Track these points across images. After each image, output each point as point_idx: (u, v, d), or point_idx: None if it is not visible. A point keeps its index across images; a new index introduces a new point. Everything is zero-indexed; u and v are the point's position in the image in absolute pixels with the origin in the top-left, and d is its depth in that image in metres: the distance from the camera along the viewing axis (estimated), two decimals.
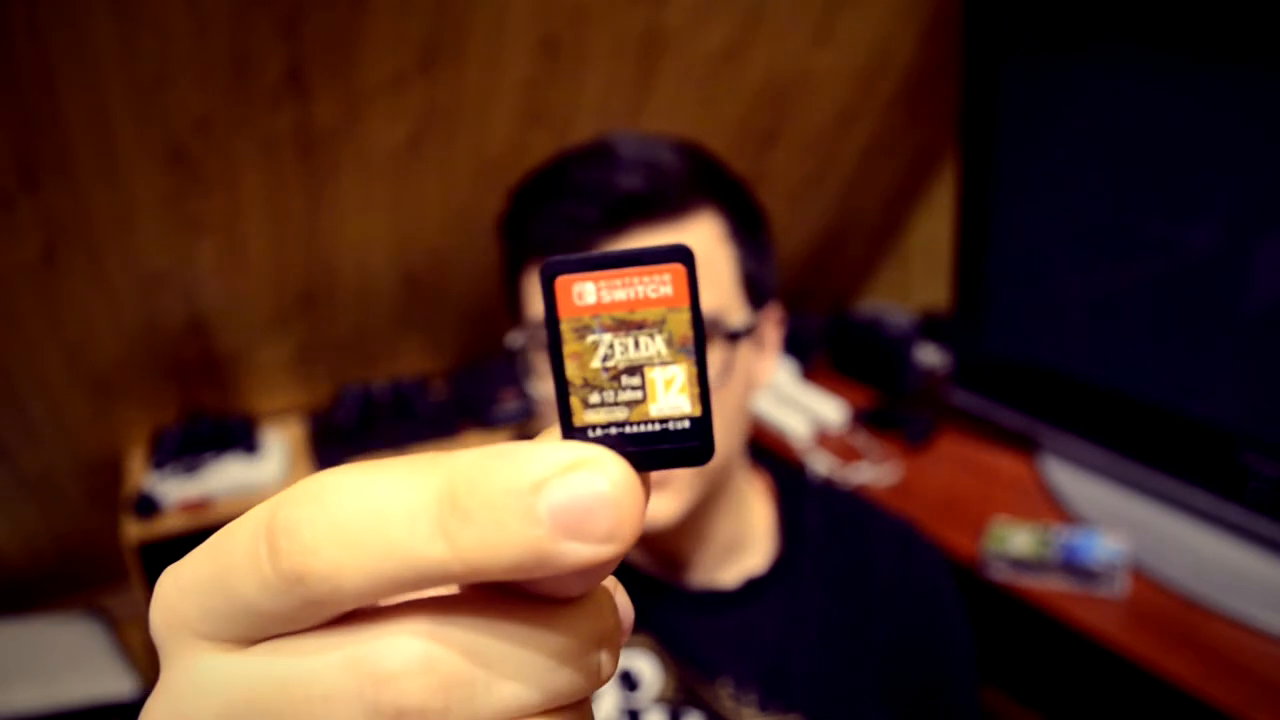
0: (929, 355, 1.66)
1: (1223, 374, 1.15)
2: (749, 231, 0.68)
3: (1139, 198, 1.17)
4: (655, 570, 0.72)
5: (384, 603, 0.19)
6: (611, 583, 0.20)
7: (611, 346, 0.18)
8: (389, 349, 1.76)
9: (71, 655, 1.51)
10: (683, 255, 0.18)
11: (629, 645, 0.69)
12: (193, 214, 1.35)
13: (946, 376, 1.49)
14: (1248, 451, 1.10)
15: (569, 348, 0.18)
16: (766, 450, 1.53)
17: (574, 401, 0.18)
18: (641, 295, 0.18)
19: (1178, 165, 1.11)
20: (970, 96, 1.29)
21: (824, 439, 1.53)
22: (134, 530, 1.43)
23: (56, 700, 1.38)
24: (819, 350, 1.78)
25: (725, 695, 0.67)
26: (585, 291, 0.18)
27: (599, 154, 0.65)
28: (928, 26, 1.59)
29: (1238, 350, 1.12)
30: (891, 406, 1.57)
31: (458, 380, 1.78)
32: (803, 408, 1.58)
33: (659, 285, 0.18)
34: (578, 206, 0.62)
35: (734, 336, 0.65)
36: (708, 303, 0.63)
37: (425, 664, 0.16)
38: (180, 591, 0.18)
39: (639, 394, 0.18)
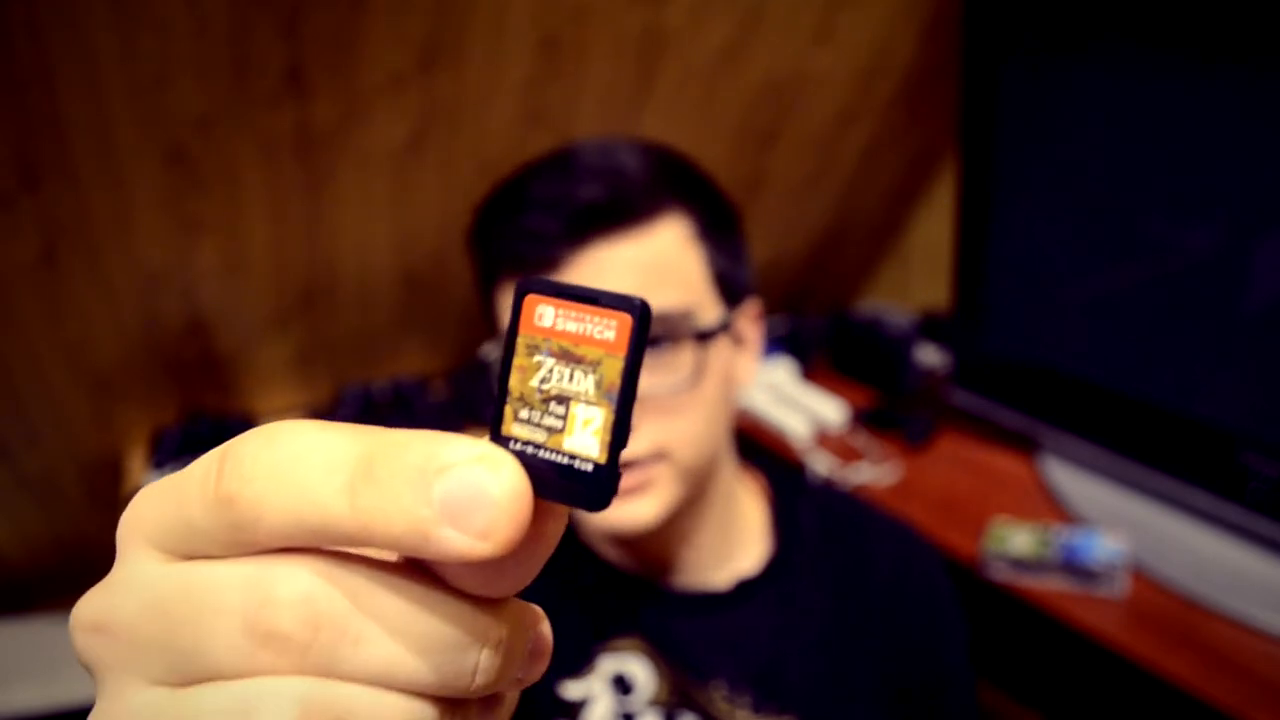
0: (929, 355, 1.66)
1: (1223, 374, 1.15)
2: (719, 229, 0.68)
3: (1139, 197, 1.17)
4: (646, 573, 0.72)
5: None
6: (538, 612, 0.21)
7: (551, 371, 0.19)
8: (389, 349, 1.76)
9: (71, 655, 1.51)
10: (635, 308, 0.19)
11: (622, 649, 0.69)
12: (193, 214, 1.35)
13: (946, 376, 1.49)
14: (1248, 451, 1.10)
15: (518, 360, 0.19)
16: (763, 450, 1.53)
17: (507, 410, 0.19)
18: (588, 333, 0.19)
19: (1178, 165, 1.11)
20: (970, 96, 1.29)
21: (824, 439, 1.53)
22: None
23: (56, 700, 1.38)
24: (819, 350, 1.78)
25: (719, 697, 0.67)
26: (545, 314, 0.19)
27: (560, 164, 0.65)
28: (928, 26, 1.59)
29: (1238, 350, 1.12)
30: (891, 406, 1.57)
31: (458, 380, 1.78)
32: (803, 408, 1.58)
33: (604, 329, 0.19)
34: (540, 219, 0.62)
35: (705, 336, 0.64)
36: (675, 302, 0.63)
37: (306, 597, 0.18)
38: (147, 503, 0.20)
39: (560, 423, 0.19)
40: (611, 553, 0.72)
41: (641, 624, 0.69)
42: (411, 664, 0.18)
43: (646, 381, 0.62)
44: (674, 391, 0.63)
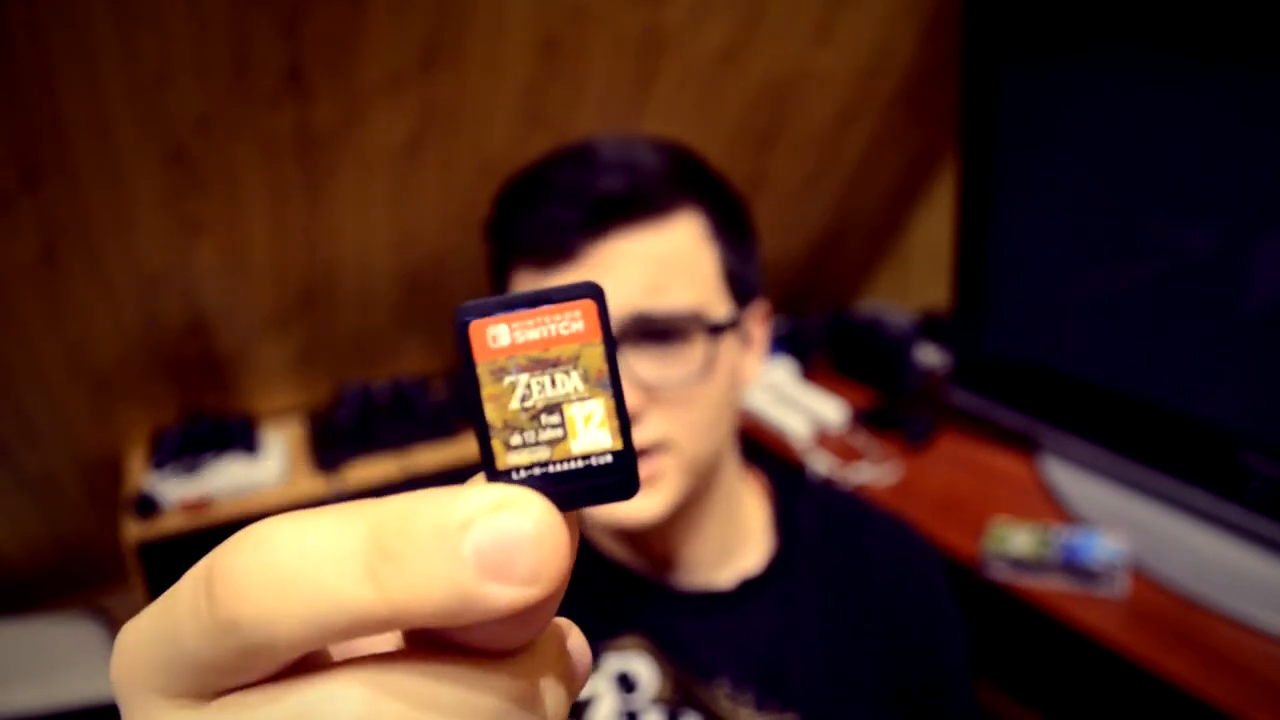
0: (929, 355, 1.66)
1: (1223, 374, 1.15)
2: (732, 229, 0.68)
3: (1139, 197, 1.17)
4: (649, 571, 0.72)
5: (331, 655, 0.19)
6: (564, 624, 0.20)
7: (529, 386, 0.18)
8: (389, 349, 1.76)
9: (71, 655, 1.51)
10: (592, 291, 0.18)
11: (626, 648, 0.69)
12: (193, 214, 1.35)
13: (946, 376, 1.49)
14: (1248, 451, 1.10)
15: (486, 390, 0.18)
16: (764, 449, 1.53)
17: (496, 444, 0.18)
18: (554, 333, 0.18)
19: (1178, 165, 1.11)
20: (970, 96, 1.29)
21: (824, 439, 1.53)
22: (134, 530, 1.43)
23: (56, 700, 1.38)
24: (819, 350, 1.78)
25: (722, 696, 0.67)
26: (499, 334, 0.18)
27: (579, 156, 0.65)
28: (928, 26, 1.59)
29: (1238, 350, 1.12)
30: (891, 406, 1.57)
31: (457, 380, 1.78)
32: (803, 408, 1.58)
33: (570, 322, 0.18)
34: (559, 209, 0.62)
35: (716, 330, 0.65)
36: (688, 298, 0.63)
37: None
38: (136, 644, 0.18)
39: (559, 432, 0.18)
40: (616, 550, 0.72)
41: (645, 622, 0.69)
42: None
43: (656, 373, 0.63)
44: (684, 384, 0.63)
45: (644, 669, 0.68)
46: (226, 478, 1.52)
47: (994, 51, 1.24)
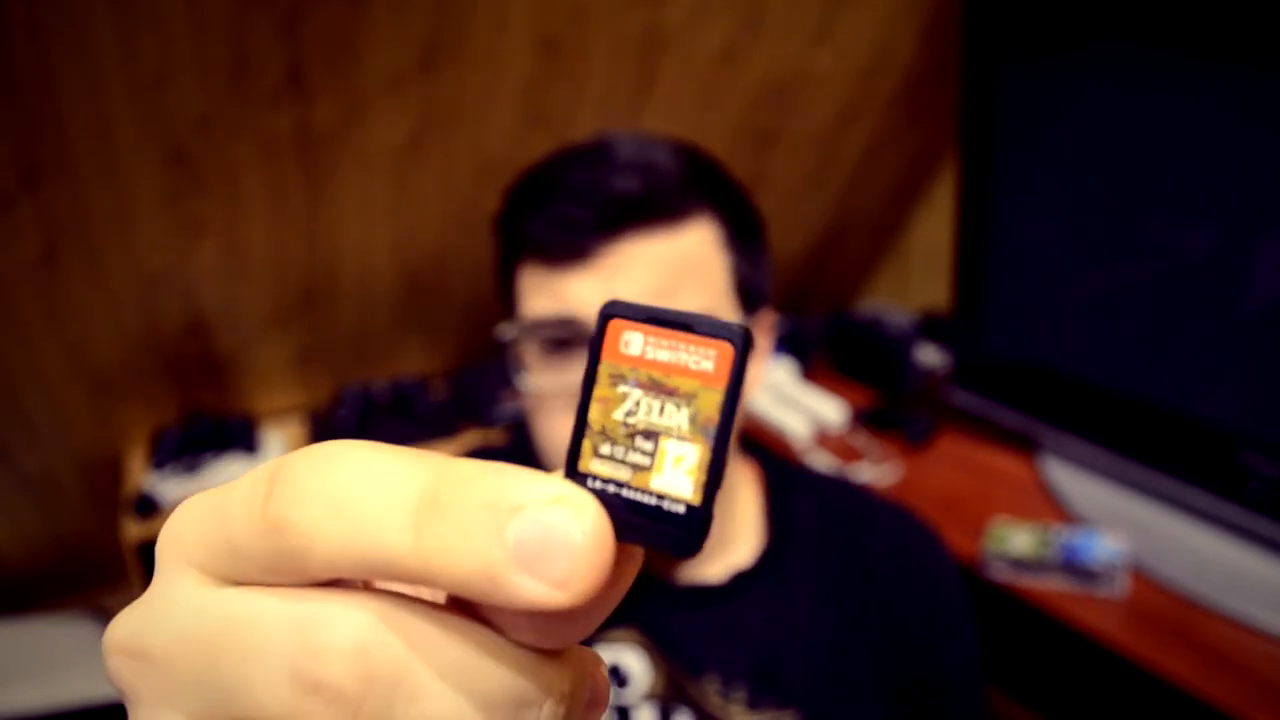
0: (929, 355, 1.66)
1: (1223, 374, 1.15)
2: (745, 237, 0.68)
3: (1139, 197, 1.17)
4: (645, 565, 0.72)
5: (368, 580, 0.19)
6: (593, 656, 0.19)
7: (638, 403, 0.18)
8: (389, 349, 1.76)
9: (71, 655, 1.51)
10: (738, 336, 0.17)
11: (618, 641, 0.68)
12: (193, 214, 1.35)
13: (946, 376, 1.49)
14: (1248, 451, 1.10)
15: (599, 391, 0.18)
16: (759, 444, 1.53)
17: (586, 445, 0.18)
18: (682, 363, 0.18)
19: (1178, 165, 1.11)
20: (970, 96, 1.29)
21: (824, 439, 1.53)
22: (134, 530, 1.43)
23: (56, 700, 1.38)
24: (819, 350, 1.78)
25: (712, 692, 0.67)
26: (633, 341, 0.18)
27: (595, 154, 0.65)
28: (928, 26, 1.59)
29: (1238, 350, 1.12)
30: (891, 406, 1.57)
31: (458, 380, 1.78)
32: (803, 408, 1.58)
33: (702, 359, 0.18)
34: (573, 207, 0.62)
35: None
36: (698, 303, 0.63)
37: (360, 648, 0.16)
38: (190, 517, 0.18)
39: (648, 460, 0.17)
40: None
41: (638, 616, 0.69)
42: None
43: None
44: None
45: (636, 663, 0.68)
46: (226, 478, 1.51)
47: (994, 51, 1.24)
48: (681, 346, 0.18)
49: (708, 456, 0.17)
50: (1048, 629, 1.13)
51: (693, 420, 0.17)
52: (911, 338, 1.63)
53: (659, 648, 0.68)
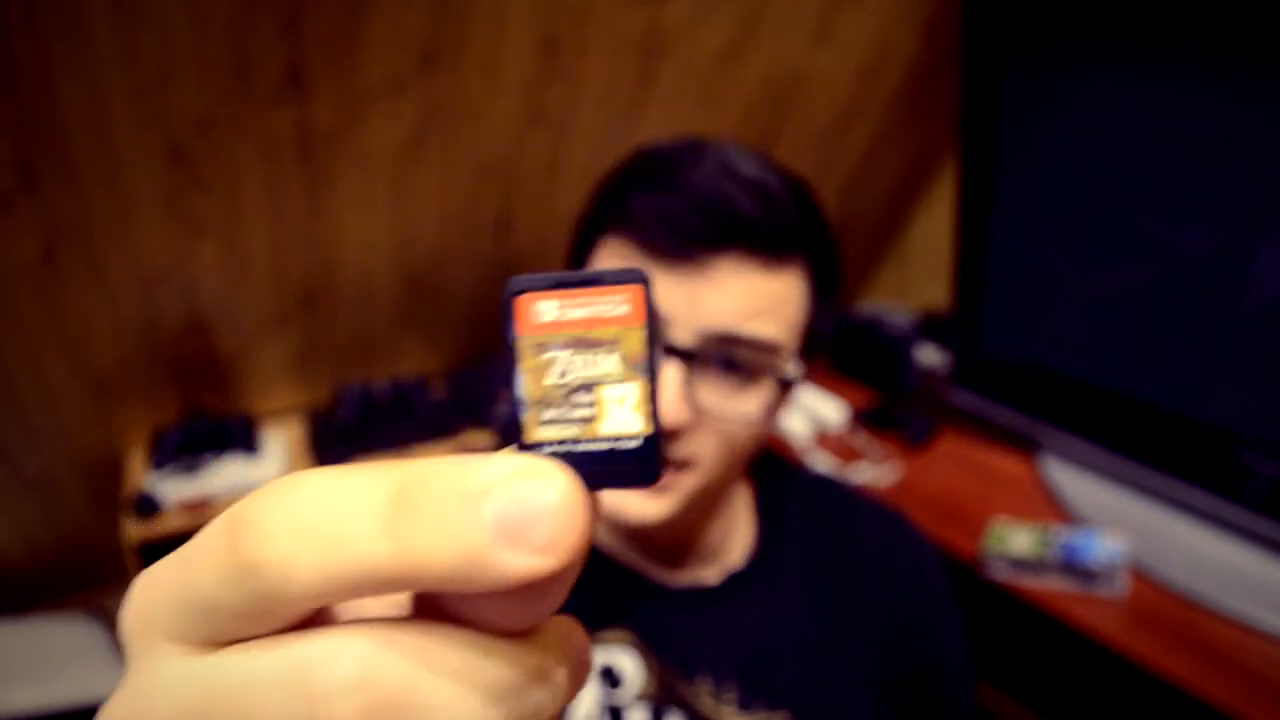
0: (929, 355, 1.66)
1: (1222, 374, 1.15)
2: (827, 290, 0.68)
3: (1139, 197, 1.17)
4: (639, 566, 0.72)
5: (338, 613, 0.19)
6: (570, 622, 0.20)
7: (568, 363, 0.18)
8: (389, 349, 1.76)
9: (71, 655, 1.51)
10: (640, 277, 0.19)
11: (611, 641, 0.69)
12: (193, 214, 1.35)
13: (946, 376, 1.49)
14: (1247, 451, 1.10)
15: (526, 364, 0.18)
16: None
17: (528, 418, 0.18)
18: (599, 314, 0.18)
19: (1178, 165, 1.11)
20: (970, 96, 1.29)
21: (824, 439, 1.53)
22: (134, 530, 1.43)
23: (56, 700, 1.38)
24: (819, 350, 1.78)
25: (704, 693, 0.67)
26: (546, 309, 0.19)
27: (719, 163, 0.64)
28: (927, 26, 1.59)
29: (1237, 350, 1.12)
30: (891, 406, 1.57)
31: (458, 380, 1.78)
32: (803, 408, 1.58)
33: (617, 305, 0.18)
34: (688, 211, 0.61)
35: (785, 384, 0.65)
36: (774, 337, 0.63)
37: (361, 682, 0.16)
38: (151, 590, 0.18)
39: (591, 411, 0.18)
40: (607, 542, 0.72)
41: (632, 617, 0.69)
42: (482, 718, 0.17)
43: (718, 403, 0.63)
44: (740, 422, 0.64)
45: (629, 664, 0.68)
46: (226, 478, 1.52)
47: (994, 51, 1.24)
48: (595, 300, 0.19)
49: (647, 389, 0.18)
50: (1048, 629, 1.13)
51: (624, 360, 0.18)
52: (911, 338, 1.63)
53: (652, 649, 0.68)
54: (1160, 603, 1.10)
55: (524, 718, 0.17)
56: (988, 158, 1.29)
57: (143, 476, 1.53)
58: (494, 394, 1.71)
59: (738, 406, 0.63)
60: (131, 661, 0.18)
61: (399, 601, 0.20)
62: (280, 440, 1.64)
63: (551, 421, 0.18)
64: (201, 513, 1.47)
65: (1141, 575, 1.14)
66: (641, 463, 0.18)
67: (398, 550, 0.16)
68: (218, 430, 1.58)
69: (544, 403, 0.18)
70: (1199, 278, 1.14)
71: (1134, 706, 1.13)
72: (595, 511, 0.18)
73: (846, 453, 1.48)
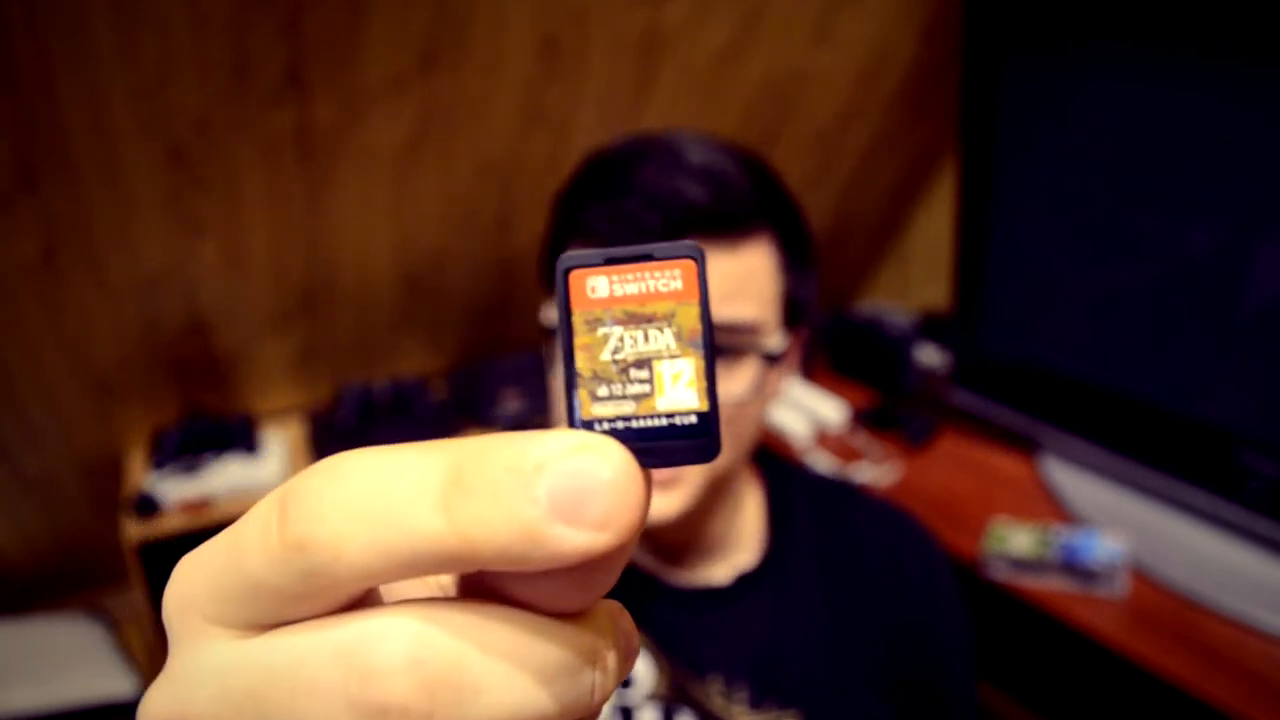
0: (929, 355, 1.66)
1: (1222, 374, 1.15)
2: (798, 258, 0.68)
3: (1139, 197, 1.17)
4: (651, 566, 0.73)
5: (387, 594, 0.19)
6: (616, 605, 0.19)
7: (622, 339, 0.18)
8: (389, 349, 1.76)
9: (71, 655, 1.51)
10: (693, 252, 0.18)
11: None
12: (193, 214, 1.35)
13: (946, 376, 1.49)
14: (1247, 451, 1.10)
15: (580, 340, 0.18)
16: (762, 448, 1.53)
17: (582, 394, 0.18)
18: (652, 289, 0.18)
19: (1178, 165, 1.11)
20: (970, 96, 1.29)
21: (824, 439, 1.53)
22: (134, 530, 1.43)
23: (56, 700, 1.38)
24: (819, 350, 1.78)
25: (715, 693, 0.67)
26: (599, 285, 0.18)
27: (667, 154, 0.64)
28: (927, 26, 1.59)
29: (1237, 350, 1.12)
30: (891, 406, 1.57)
31: (458, 380, 1.79)
32: (803, 408, 1.58)
33: (670, 280, 0.18)
34: (640, 209, 0.62)
35: (770, 358, 0.65)
36: (750, 316, 0.63)
37: (413, 660, 0.16)
38: (194, 574, 0.18)
39: (647, 387, 0.18)
40: None
41: (644, 617, 0.69)
42: (535, 699, 0.16)
43: None
44: (731, 402, 0.64)
45: (640, 664, 0.68)
46: (226, 478, 1.52)
47: (994, 51, 1.25)
48: (647, 275, 0.19)
49: (702, 364, 0.18)
50: (1048, 629, 1.13)
51: (678, 336, 0.18)
52: (911, 338, 1.63)
53: (662, 649, 0.68)
54: (1160, 603, 1.10)
55: (576, 699, 0.17)
56: (987, 158, 1.29)
57: (143, 476, 1.53)
58: (495, 394, 1.71)
59: (726, 389, 0.63)
60: (174, 648, 0.18)
61: (443, 584, 0.20)
62: (280, 440, 1.64)
63: (606, 398, 0.18)
64: (201, 513, 1.47)
65: (1141, 575, 1.14)
66: (700, 439, 0.18)
67: (452, 527, 0.15)
68: (218, 430, 1.58)
69: (598, 379, 0.18)
70: (1199, 278, 1.14)
71: (1134, 706, 1.13)
72: (650, 486, 0.17)
73: (846, 453, 1.48)
